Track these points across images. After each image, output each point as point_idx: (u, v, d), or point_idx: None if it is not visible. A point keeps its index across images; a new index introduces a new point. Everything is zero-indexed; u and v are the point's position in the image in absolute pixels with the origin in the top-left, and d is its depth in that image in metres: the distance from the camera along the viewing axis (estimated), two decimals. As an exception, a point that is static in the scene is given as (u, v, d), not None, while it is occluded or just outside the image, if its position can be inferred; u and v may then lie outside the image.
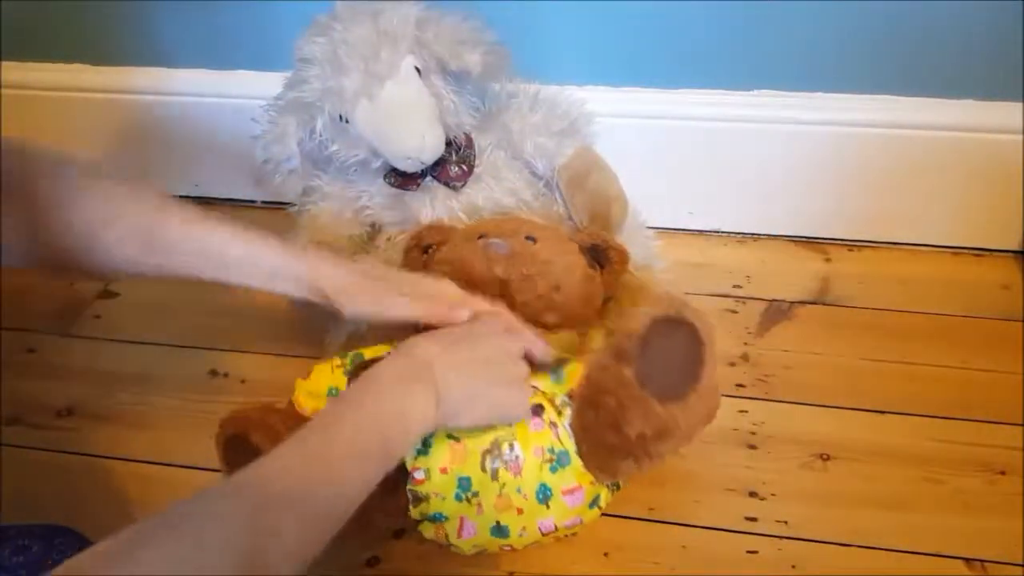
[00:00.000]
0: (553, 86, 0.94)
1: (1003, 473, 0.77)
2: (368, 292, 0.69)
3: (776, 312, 0.96)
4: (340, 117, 0.83)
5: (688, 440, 0.64)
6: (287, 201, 0.99)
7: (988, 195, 0.99)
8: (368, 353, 0.73)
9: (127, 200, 0.67)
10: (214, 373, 0.92)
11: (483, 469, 0.65)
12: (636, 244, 0.94)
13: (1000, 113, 0.94)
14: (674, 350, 0.62)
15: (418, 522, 0.69)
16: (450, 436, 0.66)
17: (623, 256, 0.84)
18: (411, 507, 0.67)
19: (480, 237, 0.80)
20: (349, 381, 0.71)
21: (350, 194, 0.92)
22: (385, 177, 0.89)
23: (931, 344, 0.90)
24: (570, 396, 0.67)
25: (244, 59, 1.07)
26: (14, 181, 0.62)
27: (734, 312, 0.96)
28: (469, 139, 0.89)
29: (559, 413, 0.67)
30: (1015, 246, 1.02)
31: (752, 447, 0.81)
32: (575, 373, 0.68)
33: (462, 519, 0.67)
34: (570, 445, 0.66)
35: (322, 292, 0.68)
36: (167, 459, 0.82)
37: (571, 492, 0.67)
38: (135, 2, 1.05)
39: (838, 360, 0.90)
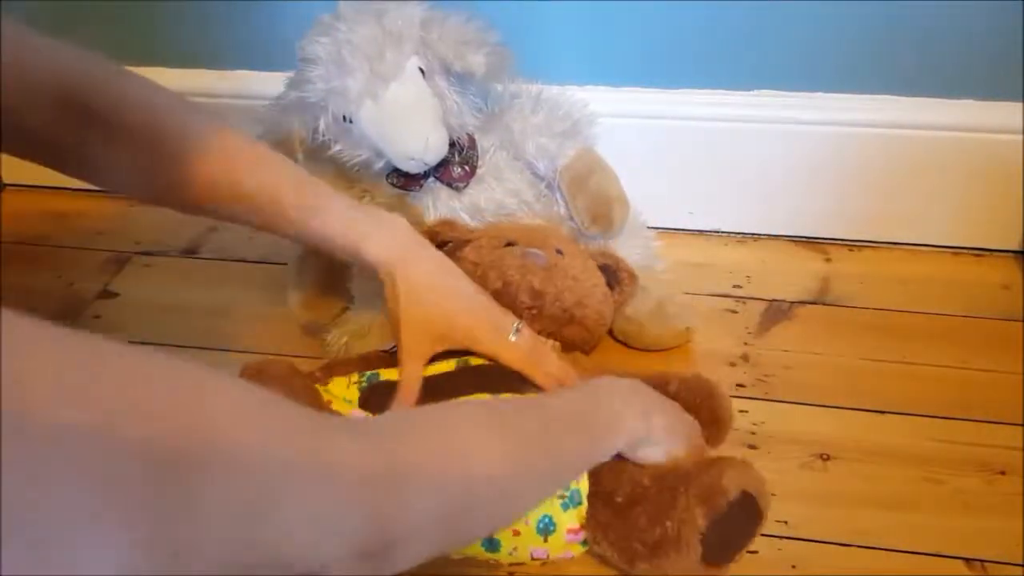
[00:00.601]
0: (554, 87, 0.94)
1: (1003, 473, 0.77)
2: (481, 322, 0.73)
3: (776, 312, 0.96)
4: (344, 118, 0.83)
5: None
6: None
7: (988, 195, 0.99)
8: (384, 374, 0.73)
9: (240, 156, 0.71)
10: (214, 373, 0.92)
11: None
12: (636, 244, 0.94)
13: (1000, 113, 0.94)
14: (738, 527, 0.63)
15: None
16: None
17: (633, 279, 0.85)
18: None
19: (508, 244, 0.81)
20: (362, 398, 0.71)
21: (352, 194, 0.92)
22: (387, 178, 0.89)
23: (931, 344, 0.90)
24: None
25: (244, 59, 1.07)
26: (146, 134, 0.67)
27: (734, 312, 0.96)
28: (472, 140, 0.89)
29: None
30: (1015, 246, 1.02)
31: (752, 447, 0.80)
32: None
33: None
34: (585, 487, 0.65)
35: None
36: (167, 459, 0.82)
37: (574, 532, 0.66)
38: (135, 2, 1.05)
39: (838, 360, 0.90)
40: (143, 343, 0.96)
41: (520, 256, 0.80)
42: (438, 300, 0.72)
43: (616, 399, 0.63)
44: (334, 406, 0.71)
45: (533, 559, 0.67)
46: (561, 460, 0.59)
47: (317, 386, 0.73)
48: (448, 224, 0.86)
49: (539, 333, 0.77)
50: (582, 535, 0.67)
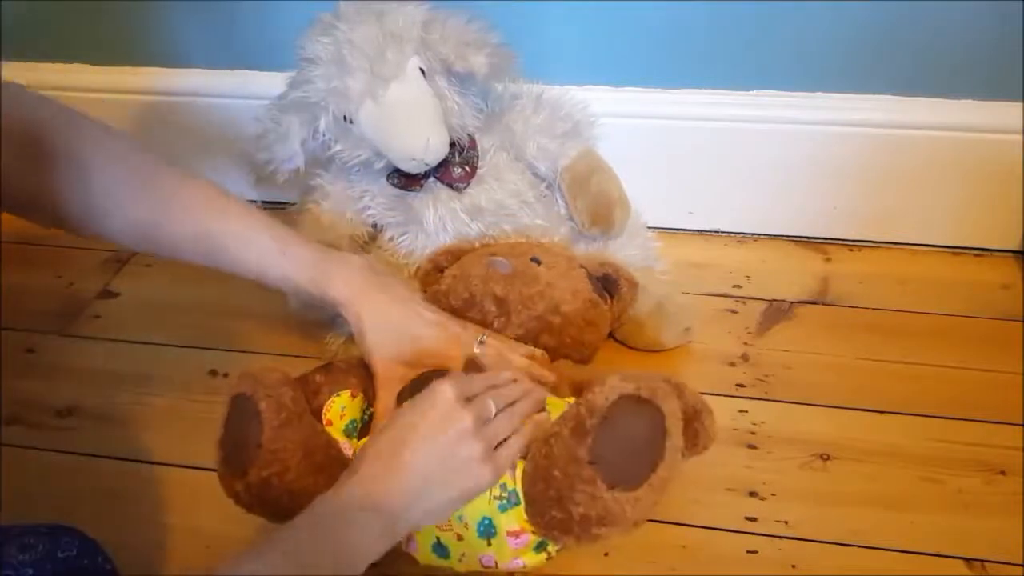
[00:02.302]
0: (555, 87, 0.94)
1: (1003, 473, 0.77)
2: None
3: (776, 312, 0.96)
4: (344, 117, 0.83)
5: (634, 528, 0.61)
6: (288, 201, 0.99)
7: (988, 195, 0.99)
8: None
9: (149, 184, 0.70)
10: (214, 373, 0.92)
11: None
12: (636, 245, 0.94)
13: (1000, 113, 0.94)
14: (636, 433, 0.58)
15: None
16: None
17: (633, 286, 0.85)
18: None
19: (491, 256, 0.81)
20: (361, 432, 0.71)
21: (352, 194, 0.92)
22: (388, 178, 0.89)
23: (931, 344, 0.90)
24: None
25: (244, 59, 1.07)
26: (59, 143, 0.65)
27: (734, 312, 0.97)
28: (472, 140, 0.89)
29: (523, 457, 0.64)
30: (1015, 246, 1.02)
31: (752, 447, 0.81)
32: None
33: (408, 536, 0.66)
34: (520, 485, 0.64)
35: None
36: (167, 459, 0.82)
37: (516, 535, 0.64)
38: (136, 2, 1.05)
39: (838, 360, 0.90)
40: (143, 343, 0.96)
41: (484, 266, 0.80)
42: (401, 328, 0.73)
43: (352, 532, 0.55)
44: (331, 430, 0.71)
45: (484, 567, 0.66)
46: None
47: (324, 407, 0.73)
48: (448, 252, 0.86)
49: (516, 340, 0.77)
50: (527, 538, 0.65)
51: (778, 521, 0.74)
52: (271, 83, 0.89)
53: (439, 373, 0.67)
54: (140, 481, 0.81)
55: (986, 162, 0.96)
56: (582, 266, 0.84)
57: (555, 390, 0.73)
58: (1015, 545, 0.71)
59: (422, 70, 0.82)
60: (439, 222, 0.88)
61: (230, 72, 1.08)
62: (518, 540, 0.64)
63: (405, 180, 0.88)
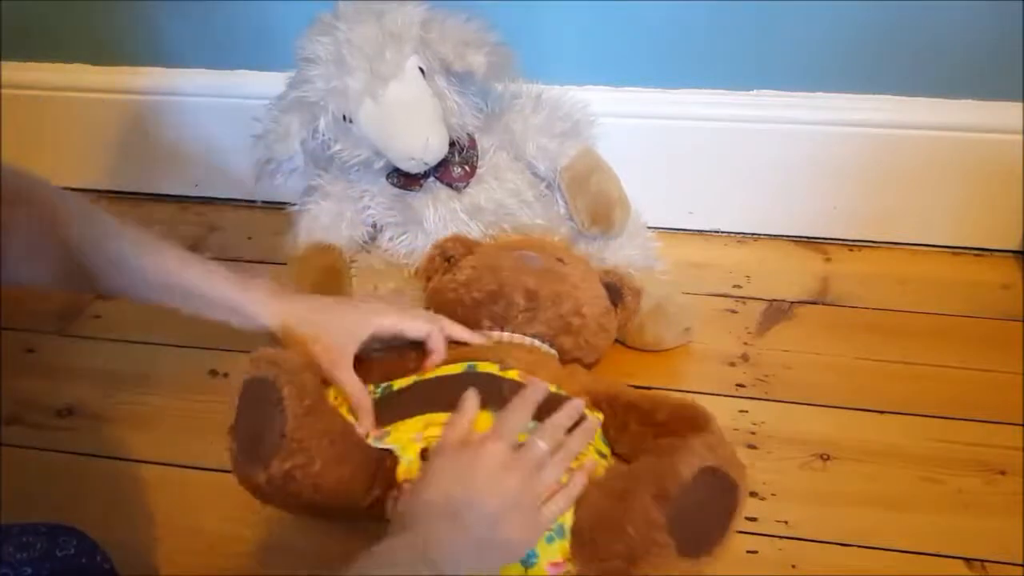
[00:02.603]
0: (555, 87, 0.94)
1: (1003, 473, 0.77)
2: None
3: (776, 312, 0.96)
4: (344, 117, 0.83)
5: None
6: (287, 201, 0.99)
7: (988, 195, 0.99)
8: (396, 384, 0.73)
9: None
10: (214, 373, 0.92)
11: None
12: (636, 245, 0.94)
13: (1000, 113, 0.94)
14: (711, 507, 0.59)
15: None
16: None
17: (636, 296, 0.85)
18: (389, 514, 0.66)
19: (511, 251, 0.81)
20: (377, 407, 0.71)
21: (352, 194, 0.92)
22: (388, 177, 0.89)
23: (931, 344, 0.90)
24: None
25: (244, 59, 1.07)
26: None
27: (734, 312, 0.96)
28: (472, 140, 0.89)
29: None
30: (1015, 246, 1.02)
31: (752, 447, 0.80)
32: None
33: None
34: (569, 521, 0.63)
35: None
36: (167, 459, 0.82)
37: (556, 565, 0.63)
38: (136, 2, 1.05)
39: (838, 360, 0.90)
40: (143, 343, 0.96)
41: (515, 258, 0.80)
42: (327, 310, 0.74)
43: None
44: (343, 411, 0.71)
45: None
46: None
47: (330, 388, 0.72)
48: (458, 240, 0.86)
49: (534, 338, 0.77)
50: (563, 568, 0.64)
51: (778, 521, 0.74)
52: (270, 83, 0.89)
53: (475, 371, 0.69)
54: (140, 481, 0.81)
55: (986, 162, 0.96)
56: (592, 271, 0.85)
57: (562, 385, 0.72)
58: (1015, 545, 0.71)
59: (421, 69, 0.82)
60: (439, 222, 0.88)
61: (230, 72, 1.08)
62: (555, 569, 0.63)
63: (405, 180, 0.88)
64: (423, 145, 0.82)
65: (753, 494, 0.76)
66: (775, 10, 0.92)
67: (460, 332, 0.77)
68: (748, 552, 0.72)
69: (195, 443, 0.83)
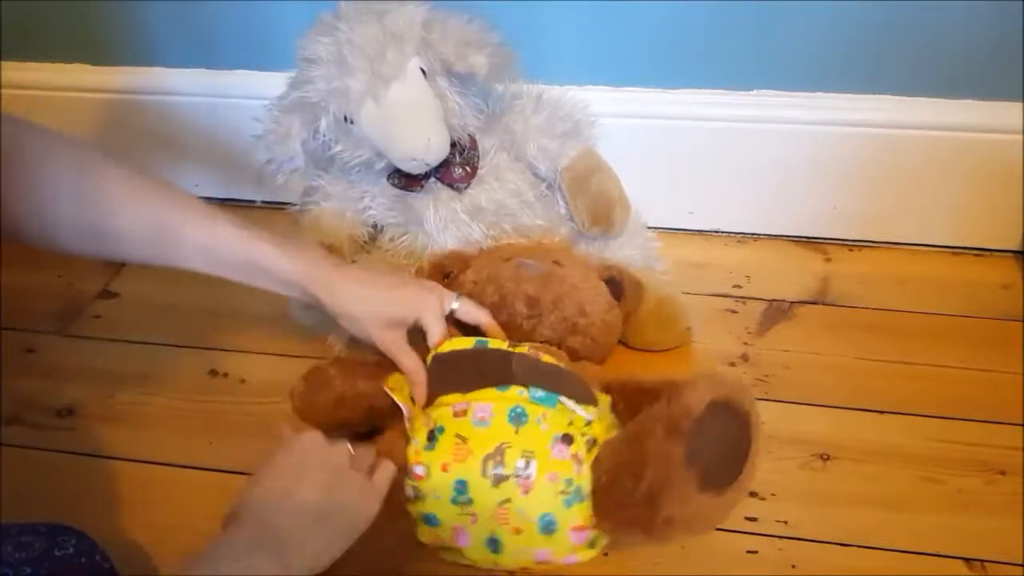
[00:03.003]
0: (555, 87, 0.94)
1: (1003, 473, 0.77)
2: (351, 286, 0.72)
3: (776, 312, 0.96)
4: (345, 118, 0.83)
5: (709, 529, 0.62)
6: (288, 201, 0.99)
7: (988, 195, 0.99)
8: (492, 344, 0.73)
9: (140, 191, 0.69)
10: (214, 373, 0.92)
11: (483, 474, 0.64)
12: (636, 245, 0.94)
13: (1000, 113, 0.94)
14: (726, 438, 0.60)
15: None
16: (458, 435, 0.65)
17: (638, 288, 0.86)
18: (407, 503, 0.66)
19: (508, 259, 0.81)
20: (429, 371, 0.71)
21: (353, 194, 0.92)
22: (389, 178, 0.89)
23: (931, 344, 0.90)
24: (594, 441, 0.65)
25: (244, 59, 1.07)
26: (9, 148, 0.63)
27: (734, 312, 0.96)
28: (473, 141, 0.89)
29: (588, 451, 0.64)
30: (1015, 246, 1.02)
31: (752, 447, 0.80)
32: (603, 416, 0.68)
33: (456, 528, 0.66)
34: (587, 484, 0.64)
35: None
36: (167, 459, 0.82)
37: (578, 530, 0.64)
38: (135, 2, 1.05)
39: (838, 360, 0.90)
40: (143, 343, 0.96)
41: (514, 267, 0.80)
42: (376, 292, 0.74)
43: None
44: (396, 395, 0.72)
45: (537, 562, 0.66)
46: None
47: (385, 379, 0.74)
48: (454, 255, 0.86)
49: (541, 343, 0.77)
50: (588, 534, 0.65)
51: (778, 521, 0.74)
52: (270, 83, 0.89)
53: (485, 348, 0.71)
54: (140, 481, 0.81)
55: (986, 162, 0.96)
56: (592, 268, 0.85)
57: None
58: (1015, 545, 0.71)
59: (423, 70, 0.82)
60: (440, 222, 0.88)
61: (230, 72, 1.08)
62: (579, 536, 0.64)
63: (406, 180, 0.88)
64: (424, 146, 0.82)
65: (753, 494, 0.76)
66: (775, 10, 0.92)
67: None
68: (748, 552, 0.72)
69: (195, 443, 0.84)
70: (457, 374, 0.69)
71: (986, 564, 0.70)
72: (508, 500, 0.64)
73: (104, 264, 1.07)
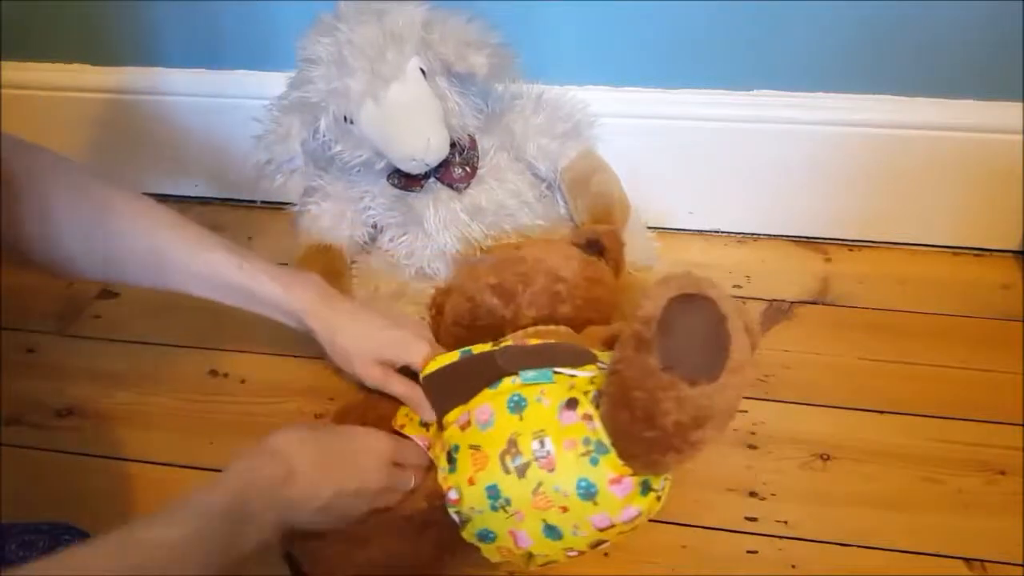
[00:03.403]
0: (555, 87, 0.94)
1: (1003, 473, 0.77)
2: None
3: (776, 312, 0.96)
4: (345, 118, 0.83)
5: (729, 418, 0.59)
6: (287, 201, 0.99)
7: (988, 195, 0.99)
8: (476, 349, 0.73)
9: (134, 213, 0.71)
10: (214, 373, 0.92)
11: (505, 471, 0.63)
12: (636, 245, 0.94)
13: (1000, 113, 0.94)
14: (697, 328, 0.57)
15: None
16: (471, 446, 0.65)
17: (614, 237, 0.84)
18: (462, 531, 0.66)
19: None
20: (427, 394, 0.71)
21: (352, 195, 0.92)
22: (388, 178, 0.89)
23: (931, 344, 0.90)
24: (600, 394, 0.63)
25: (244, 59, 1.07)
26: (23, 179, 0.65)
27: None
28: (473, 141, 0.89)
29: (596, 407, 0.63)
30: (1015, 246, 1.02)
31: (752, 447, 0.81)
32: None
33: (511, 531, 0.64)
34: (605, 436, 0.62)
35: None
36: (167, 459, 0.82)
37: (616, 482, 0.61)
38: (135, 2, 1.05)
39: (838, 360, 0.90)
40: (143, 343, 0.96)
41: (468, 268, 0.80)
42: (368, 329, 0.75)
43: (229, 523, 0.55)
44: (407, 431, 0.73)
45: (602, 530, 0.63)
46: None
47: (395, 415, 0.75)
48: (437, 291, 0.86)
49: (536, 324, 0.76)
50: (629, 482, 0.62)
51: (778, 521, 0.74)
52: (270, 83, 0.89)
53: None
54: (140, 481, 0.81)
55: (986, 162, 0.96)
56: (564, 241, 0.83)
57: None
58: (1015, 545, 0.71)
59: (422, 70, 0.82)
60: (439, 222, 0.88)
61: (230, 72, 1.08)
62: (621, 487, 0.62)
63: (405, 180, 0.88)
64: (424, 146, 0.82)
65: (753, 494, 0.76)
66: (775, 10, 0.92)
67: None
68: (748, 552, 0.72)
69: (195, 443, 0.84)
70: (453, 388, 0.69)
71: (986, 564, 0.70)
72: (540, 484, 0.62)
73: (104, 264, 1.07)
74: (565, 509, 0.62)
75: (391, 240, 0.92)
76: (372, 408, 0.76)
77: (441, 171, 0.87)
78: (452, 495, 0.65)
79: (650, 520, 0.73)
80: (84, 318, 1.00)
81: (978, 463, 0.78)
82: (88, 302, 1.02)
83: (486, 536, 0.65)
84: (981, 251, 1.03)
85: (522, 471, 0.62)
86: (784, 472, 0.78)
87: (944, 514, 0.74)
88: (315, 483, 0.61)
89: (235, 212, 1.16)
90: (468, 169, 0.88)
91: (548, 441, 0.62)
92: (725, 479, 0.78)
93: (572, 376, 0.65)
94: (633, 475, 0.62)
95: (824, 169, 1.00)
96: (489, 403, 0.66)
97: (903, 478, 0.77)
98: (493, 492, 0.63)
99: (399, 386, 0.73)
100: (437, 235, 0.89)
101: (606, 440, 0.61)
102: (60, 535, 0.61)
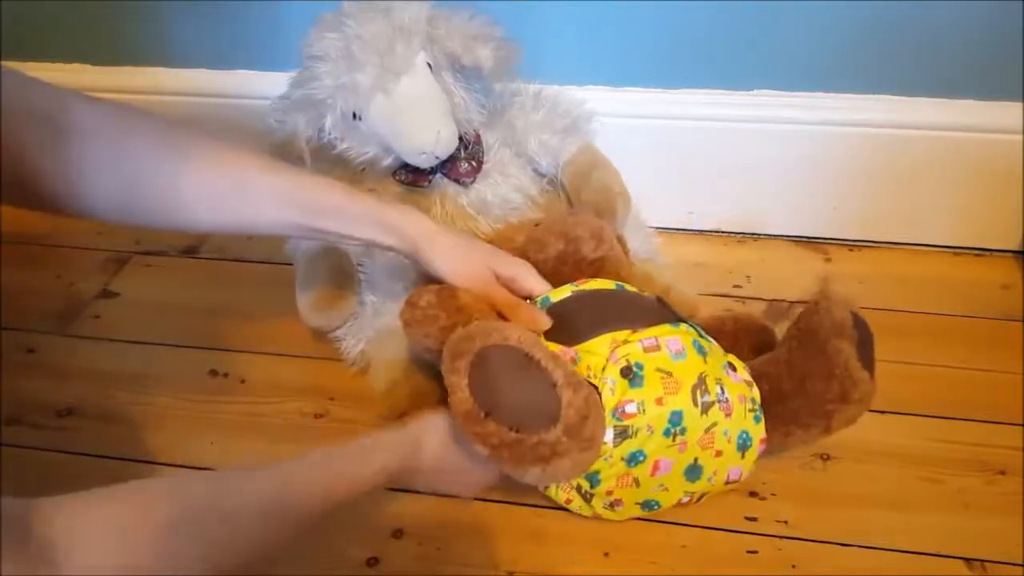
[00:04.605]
0: (554, 86, 0.94)
1: (1003, 473, 0.77)
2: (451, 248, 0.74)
3: (776, 312, 0.96)
4: (353, 114, 0.83)
5: (866, 409, 0.70)
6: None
7: (988, 195, 0.99)
8: (554, 295, 0.74)
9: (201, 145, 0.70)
10: (214, 373, 0.92)
11: (694, 403, 0.66)
12: (637, 240, 0.94)
13: (1000, 113, 0.94)
14: (866, 341, 0.71)
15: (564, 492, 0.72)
16: (659, 369, 0.66)
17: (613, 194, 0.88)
18: (612, 446, 0.66)
19: (537, 225, 0.83)
20: (573, 306, 0.72)
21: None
22: (395, 174, 0.89)
23: (931, 344, 0.90)
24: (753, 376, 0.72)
25: (244, 59, 1.07)
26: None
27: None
28: (478, 136, 0.89)
29: (746, 371, 0.72)
30: (1015, 246, 1.02)
31: (752, 447, 0.80)
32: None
33: (658, 460, 0.67)
34: (759, 402, 0.71)
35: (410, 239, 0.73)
36: (167, 459, 0.82)
37: (764, 442, 0.71)
38: (136, 2, 1.05)
39: (838, 360, 0.89)
40: (143, 343, 0.96)
41: (570, 215, 0.83)
42: (483, 248, 0.76)
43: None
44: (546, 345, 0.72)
45: (728, 483, 0.71)
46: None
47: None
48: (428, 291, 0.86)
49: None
50: (765, 446, 0.71)
51: (778, 521, 0.74)
52: (271, 83, 0.89)
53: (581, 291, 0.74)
54: (140, 481, 0.81)
55: (986, 162, 0.96)
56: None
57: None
58: (1015, 545, 0.71)
59: (429, 65, 0.82)
60: (446, 218, 0.88)
61: (230, 72, 1.08)
62: (762, 447, 0.71)
63: (413, 177, 0.88)
64: (434, 138, 0.82)
65: (753, 494, 0.76)
66: (775, 10, 0.92)
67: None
68: (748, 552, 0.72)
69: (195, 443, 0.83)
70: (610, 311, 0.71)
71: (986, 564, 0.70)
72: (714, 424, 0.67)
73: (104, 264, 1.07)
74: (719, 453, 0.69)
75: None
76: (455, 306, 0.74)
77: (447, 167, 0.87)
78: (631, 408, 0.65)
79: (650, 520, 0.74)
80: (84, 318, 1.00)
81: (978, 463, 0.78)
82: (88, 302, 1.02)
83: (635, 457, 0.67)
84: (981, 251, 1.03)
85: (706, 408, 0.67)
86: (784, 472, 0.78)
87: (944, 514, 0.74)
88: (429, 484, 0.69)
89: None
90: (474, 164, 0.88)
91: (726, 389, 0.68)
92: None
93: (715, 344, 0.73)
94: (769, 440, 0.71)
95: (824, 169, 1.00)
96: (679, 337, 0.69)
97: (903, 478, 0.77)
98: (676, 418, 0.66)
99: (504, 294, 0.73)
100: (444, 231, 0.89)
101: (759, 404, 0.71)
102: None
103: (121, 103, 0.69)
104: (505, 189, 0.89)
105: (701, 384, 0.67)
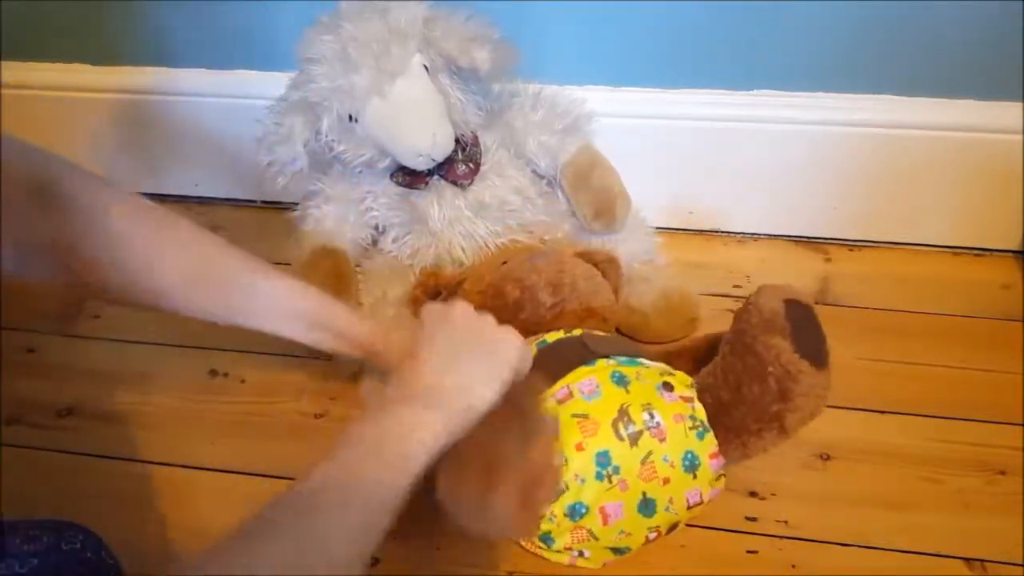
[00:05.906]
0: (553, 86, 0.94)
1: (1003, 473, 0.77)
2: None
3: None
4: (349, 117, 0.83)
5: (823, 407, 0.66)
6: (289, 201, 0.99)
7: (988, 195, 0.99)
8: (551, 337, 0.74)
9: (188, 239, 0.67)
10: (214, 373, 0.92)
11: (619, 437, 0.65)
12: (636, 240, 0.94)
13: (1000, 113, 0.94)
14: (807, 325, 0.66)
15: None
16: (575, 415, 0.65)
17: (615, 264, 0.85)
18: (546, 510, 0.65)
19: (504, 263, 0.81)
20: (552, 348, 0.72)
21: (354, 196, 0.92)
22: (392, 176, 0.89)
23: (931, 344, 0.90)
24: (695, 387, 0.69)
25: (244, 59, 1.07)
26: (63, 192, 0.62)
27: (734, 312, 0.96)
28: (475, 137, 0.89)
29: (689, 387, 0.68)
30: (1015, 246, 1.02)
31: (752, 447, 0.80)
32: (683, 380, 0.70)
33: (603, 507, 0.66)
34: (703, 415, 0.67)
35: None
36: (167, 459, 0.82)
37: (715, 456, 0.67)
38: (135, 2, 1.05)
39: (838, 360, 0.88)
40: (143, 343, 0.96)
41: (528, 260, 0.80)
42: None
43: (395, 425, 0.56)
44: None
45: (689, 508, 0.67)
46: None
47: None
48: (433, 273, 0.86)
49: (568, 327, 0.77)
50: (720, 460, 0.67)
51: (778, 521, 0.74)
52: (270, 83, 0.89)
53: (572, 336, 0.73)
54: (140, 481, 0.81)
55: (986, 162, 0.96)
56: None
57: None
58: (1015, 545, 0.71)
59: (425, 67, 0.82)
60: (444, 220, 0.88)
61: (230, 72, 1.08)
62: (717, 462, 0.67)
63: (410, 178, 0.88)
64: (431, 141, 0.82)
65: (753, 494, 0.76)
66: (775, 10, 0.92)
67: None
68: (748, 552, 0.72)
69: (195, 443, 0.84)
70: (541, 368, 0.68)
71: (986, 564, 0.70)
72: (650, 453, 0.65)
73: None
74: (667, 481, 0.66)
75: (394, 241, 0.92)
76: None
77: (445, 168, 0.87)
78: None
79: (650, 520, 0.73)
80: (84, 318, 1.00)
81: (978, 463, 0.78)
82: (88, 302, 1.02)
83: (576, 511, 0.66)
84: (981, 251, 1.03)
85: (635, 439, 0.65)
86: (784, 472, 0.78)
87: (944, 514, 0.74)
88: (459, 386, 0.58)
89: (236, 212, 1.16)
90: (472, 165, 0.88)
91: (657, 414, 0.66)
92: (725, 479, 0.77)
93: (655, 365, 0.70)
94: (723, 454, 0.67)
95: (824, 169, 1.00)
96: (593, 376, 0.67)
97: (903, 478, 0.77)
98: (603, 459, 0.65)
99: None
100: (442, 233, 0.89)
101: (704, 419, 0.67)
102: (65, 532, 0.62)
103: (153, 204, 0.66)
104: (503, 191, 0.89)
105: (623, 416, 0.65)
